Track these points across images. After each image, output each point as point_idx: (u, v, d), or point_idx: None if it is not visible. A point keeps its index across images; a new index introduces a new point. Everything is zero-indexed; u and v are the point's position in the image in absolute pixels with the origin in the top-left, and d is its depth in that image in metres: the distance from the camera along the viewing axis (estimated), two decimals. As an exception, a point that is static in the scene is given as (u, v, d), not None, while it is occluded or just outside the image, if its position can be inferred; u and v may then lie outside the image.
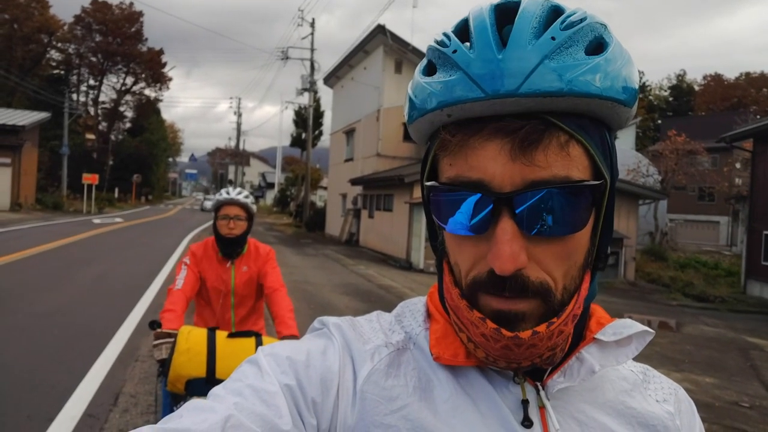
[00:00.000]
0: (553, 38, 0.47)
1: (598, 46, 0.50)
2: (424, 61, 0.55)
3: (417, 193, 16.33)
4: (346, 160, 26.21)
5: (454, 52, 0.50)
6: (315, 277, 12.11)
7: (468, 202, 0.50)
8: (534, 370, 0.56)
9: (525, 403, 0.55)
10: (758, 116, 29.74)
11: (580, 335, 0.58)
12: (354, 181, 22.26)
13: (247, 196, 2.85)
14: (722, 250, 29.32)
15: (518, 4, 0.51)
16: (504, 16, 0.51)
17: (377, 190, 20.16)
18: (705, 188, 33.84)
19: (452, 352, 0.57)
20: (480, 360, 0.55)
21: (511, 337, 0.50)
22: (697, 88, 57.41)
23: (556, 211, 0.48)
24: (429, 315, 0.63)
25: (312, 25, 29.68)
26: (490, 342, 0.51)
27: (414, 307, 0.65)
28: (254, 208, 2.91)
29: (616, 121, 0.52)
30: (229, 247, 2.85)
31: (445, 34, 0.53)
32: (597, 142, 0.51)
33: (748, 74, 53.58)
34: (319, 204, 34.83)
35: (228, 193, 2.84)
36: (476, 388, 0.56)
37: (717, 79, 55.40)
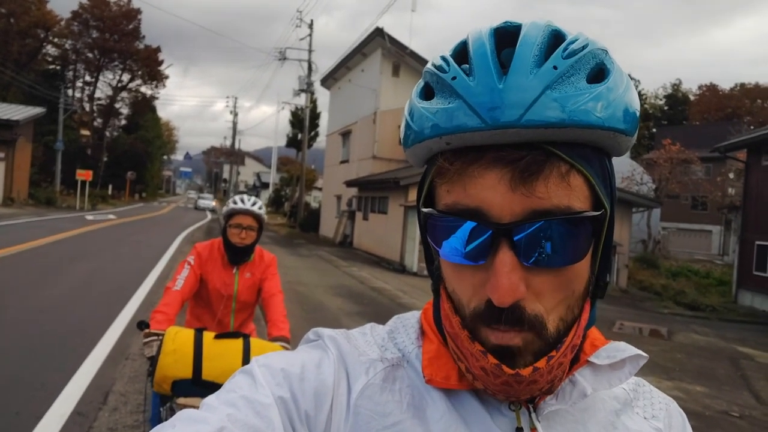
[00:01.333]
0: (555, 67, 0.47)
1: (599, 72, 0.49)
2: (421, 84, 0.54)
3: (412, 196, 16.34)
4: (342, 162, 26.22)
5: (453, 78, 0.49)
6: (308, 278, 12.09)
7: (465, 230, 0.49)
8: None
9: (519, 430, 0.54)
10: (752, 127, 29.96)
11: (574, 357, 0.57)
12: (349, 183, 22.26)
13: (260, 207, 2.85)
14: (714, 259, 29.49)
15: (518, 28, 0.50)
16: (504, 39, 0.50)
17: (372, 192, 20.16)
18: (698, 197, 34.02)
19: (444, 374, 0.56)
20: (478, 390, 0.55)
21: (512, 375, 0.49)
22: (692, 97, 57.76)
23: (555, 242, 0.48)
24: (422, 333, 0.62)
25: (310, 26, 29.71)
26: (489, 377, 0.51)
27: (407, 323, 0.64)
28: (265, 218, 2.91)
29: (617, 149, 0.52)
30: (238, 255, 2.85)
31: (443, 58, 0.52)
32: (597, 171, 0.50)
33: (743, 85, 53.99)
34: (314, 205, 34.84)
35: (243, 202, 2.82)
36: (469, 410, 0.55)
37: (712, 89, 55.79)
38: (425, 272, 15.98)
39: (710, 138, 24.92)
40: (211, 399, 0.52)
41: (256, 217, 2.82)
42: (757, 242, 15.97)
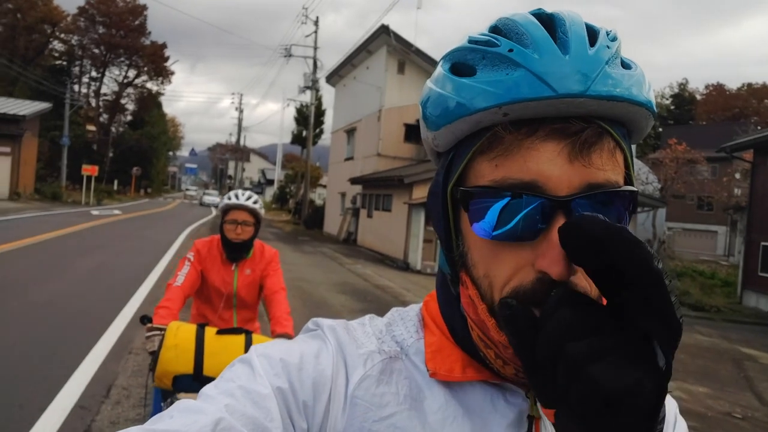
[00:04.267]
0: (607, 47, 0.49)
1: (625, 63, 0.51)
2: (447, 64, 0.53)
3: (416, 194, 16.34)
4: (347, 159, 26.22)
5: (510, 51, 0.48)
6: (311, 275, 12.10)
7: (518, 204, 0.47)
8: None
9: (531, 418, 0.54)
10: (759, 127, 29.80)
11: None
12: (354, 180, 22.26)
13: (255, 202, 2.83)
14: (719, 260, 29.37)
15: (553, 16, 0.51)
16: (542, 25, 0.51)
17: (377, 189, 20.16)
18: (704, 197, 33.85)
19: (448, 366, 0.56)
20: (503, 377, 0.55)
21: None
22: (698, 97, 57.47)
23: (610, 215, 0.47)
24: (423, 325, 0.62)
25: (316, 23, 29.67)
26: None
27: (406, 316, 0.64)
28: (262, 212, 2.89)
29: (642, 132, 0.53)
30: (235, 252, 2.83)
31: (487, 36, 0.51)
32: (630, 153, 0.52)
33: (750, 85, 53.68)
34: (318, 202, 34.83)
35: (237, 197, 2.81)
36: (471, 400, 0.55)
37: (719, 88, 55.48)
38: (429, 270, 15.86)
39: (716, 138, 24.81)
40: (209, 388, 0.52)
41: (252, 211, 2.80)
42: (763, 243, 15.88)
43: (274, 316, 2.72)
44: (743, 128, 26.55)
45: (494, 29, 0.52)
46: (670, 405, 0.65)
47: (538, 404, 0.53)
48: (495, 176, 0.49)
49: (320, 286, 10.80)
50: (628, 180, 0.52)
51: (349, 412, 0.54)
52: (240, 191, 2.87)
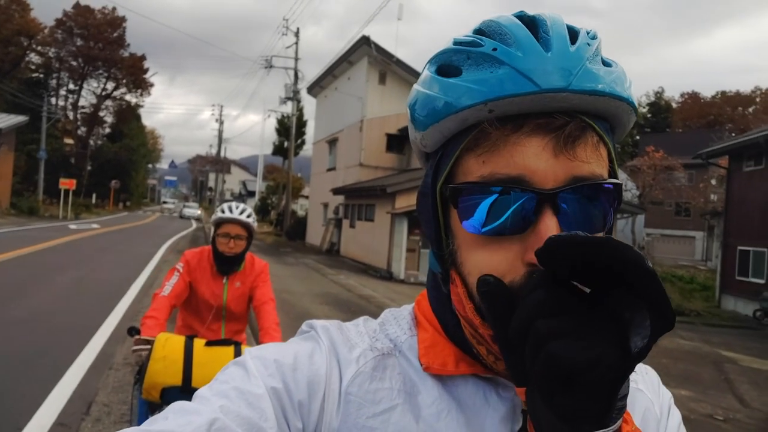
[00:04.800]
0: (588, 44, 0.50)
1: (606, 61, 0.53)
2: (434, 66, 0.55)
3: (399, 203, 16.36)
4: (329, 170, 26.19)
5: (494, 50, 0.50)
6: (294, 287, 12.02)
7: (507, 200, 0.49)
8: None
9: (525, 413, 0.53)
10: (733, 134, 30.48)
11: None
12: (336, 191, 22.23)
13: (249, 215, 2.81)
14: (698, 265, 29.85)
15: (535, 18, 0.53)
16: (525, 26, 0.52)
17: (359, 200, 20.14)
18: (681, 204, 34.45)
19: (441, 361, 0.57)
20: (494, 371, 0.55)
21: None
22: (674, 105, 58.59)
23: (592, 208, 0.49)
24: (416, 323, 0.62)
25: (297, 34, 29.72)
26: None
27: (399, 315, 0.65)
28: (255, 225, 2.88)
29: (625, 127, 0.55)
30: (227, 265, 2.82)
31: (471, 37, 0.53)
32: (613, 148, 0.54)
33: (724, 93, 54.91)
34: (300, 213, 34.72)
35: (230, 210, 2.79)
36: (464, 394, 0.56)
37: (694, 97, 56.65)
38: (412, 279, 15.82)
39: (693, 145, 25.32)
40: (203, 390, 0.53)
41: (245, 225, 2.78)
42: (740, 247, 16.20)
43: (263, 327, 2.71)
44: (718, 135, 27.16)
45: (478, 31, 0.54)
46: (665, 396, 0.67)
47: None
48: (483, 172, 0.50)
49: (303, 298, 10.73)
50: (613, 174, 0.53)
51: (344, 409, 0.54)
52: (234, 204, 2.86)
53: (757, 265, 15.47)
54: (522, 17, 0.53)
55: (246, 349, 0.59)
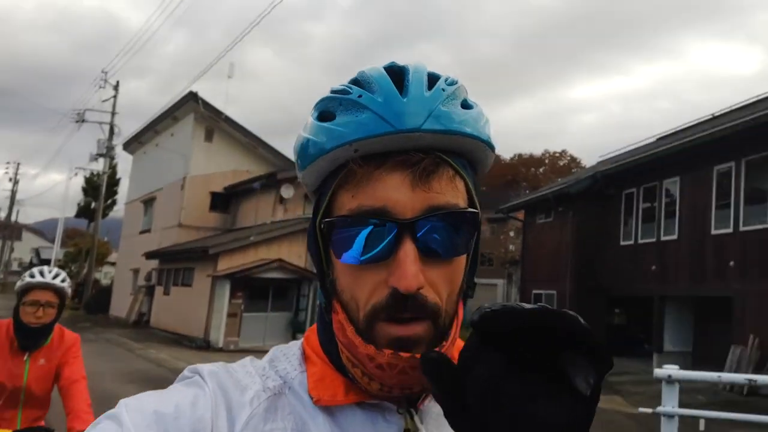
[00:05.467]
0: (443, 90, 0.57)
1: (466, 103, 0.60)
2: (315, 112, 0.60)
3: (222, 265, 15.60)
4: (142, 232, 24.33)
5: (360, 96, 0.57)
6: (94, 366, 10.44)
7: (371, 229, 0.54)
8: (408, 398, 0.60)
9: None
10: (527, 191, 34.98)
11: None
12: (150, 255, 20.50)
13: (63, 280, 2.50)
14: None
15: (402, 68, 0.59)
16: (391, 74, 0.59)
17: (176, 263, 18.82)
18: (485, 254, 38.18)
19: (331, 392, 0.59)
20: (371, 394, 0.58)
21: (408, 359, 0.54)
22: (478, 167, 65.95)
23: (450, 234, 0.55)
24: (305, 358, 0.64)
25: (116, 87, 27.67)
26: (386, 371, 0.55)
27: (288, 351, 0.66)
28: (69, 291, 2.54)
29: (484, 164, 0.63)
30: (32, 338, 2.43)
31: (343, 86, 0.60)
32: (473, 181, 0.60)
33: (520, 155, 63.32)
34: (105, 282, 31.26)
35: (42, 274, 2.46)
36: (354, 424, 0.59)
37: (496, 159, 64.33)
38: (232, 347, 15.10)
39: (495, 201, 28.41)
40: None
41: (58, 291, 2.46)
42: (533, 291, 18.28)
43: (72, 410, 2.38)
44: (516, 192, 30.91)
45: (352, 80, 0.61)
46: None
47: (416, 418, 0.59)
48: (351, 206, 0.56)
49: (104, 378, 9.44)
50: (472, 204, 0.59)
51: None
52: (46, 268, 2.55)
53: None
54: (391, 67, 0.60)
55: (121, 401, 0.53)
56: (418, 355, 0.53)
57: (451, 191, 0.56)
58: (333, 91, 0.60)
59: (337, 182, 0.58)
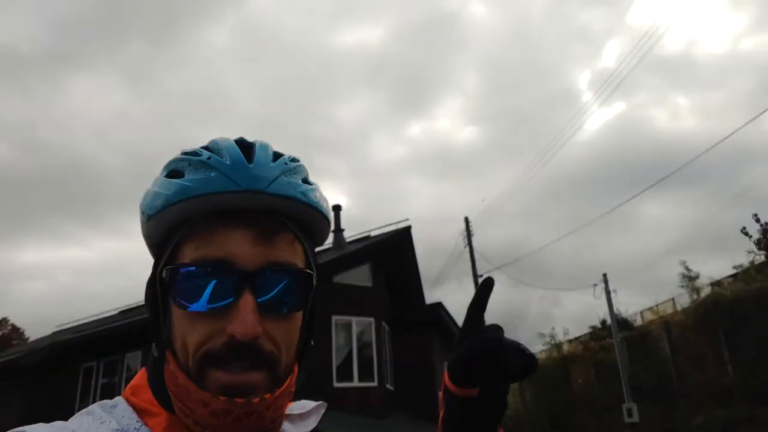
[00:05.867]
0: (286, 163, 0.64)
1: (307, 180, 0.66)
2: (165, 171, 0.63)
3: None
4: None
5: (209, 158, 0.61)
6: None
7: (212, 278, 0.57)
8: None
9: None
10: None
11: None
12: None
13: None
14: None
15: (250, 142, 0.66)
16: (240, 146, 0.64)
17: None
18: None
19: None
20: None
21: (243, 404, 0.55)
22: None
23: (288, 290, 0.59)
24: (140, 411, 0.61)
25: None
26: (221, 418, 0.55)
27: (109, 407, 0.62)
28: None
29: (321, 233, 0.68)
30: None
31: (194, 149, 0.64)
32: (310, 248, 0.66)
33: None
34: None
35: None
36: None
37: None
38: None
39: None
40: None
41: None
42: None
43: None
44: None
45: (203, 147, 0.64)
46: None
47: None
48: (195, 256, 0.59)
49: None
50: (309, 267, 0.64)
51: None
52: None
53: None
54: (241, 141, 0.65)
55: None
56: (254, 400, 0.55)
57: (291, 252, 0.61)
58: (183, 153, 0.63)
59: (183, 235, 0.60)
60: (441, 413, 0.73)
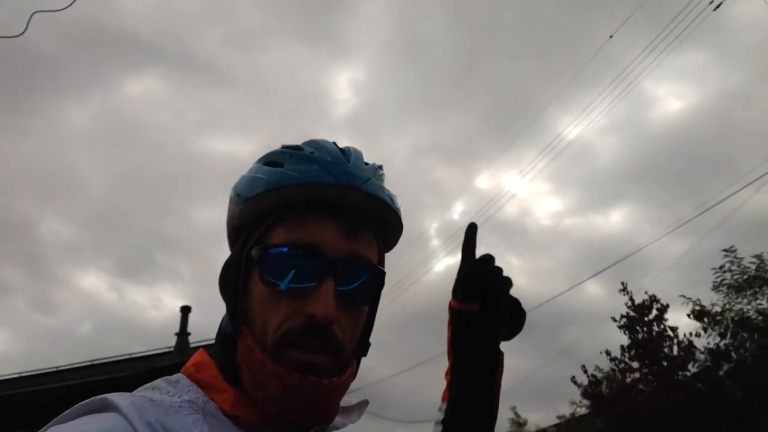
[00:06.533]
0: (376, 169, 0.70)
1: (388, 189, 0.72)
2: (262, 161, 0.70)
3: None
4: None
5: (312, 153, 0.66)
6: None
7: (301, 260, 0.61)
8: (299, 430, 0.64)
9: None
10: None
11: None
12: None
13: None
14: None
15: (342, 148, 0.71)
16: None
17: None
18: None
19: (249, 413, 0.61)
20: (271, 418, 0.61)
21: (313, 382, 0.59)
22: None
23: (364, 283, 0.64)
24: (205, 386, 0.64)
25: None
26: (291, 393, 0.59)
27: (174, 382, 0.64)
28: None
29: (392, 239, 0.74)
30: None
31: (297, 145, 0.69)
32: (383, 250, 0.72)
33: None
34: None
35: None
36: None
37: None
38: None
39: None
40: None
41: None
42: None
43: None
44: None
45: (304, 143, 0.70)
46: None
47: None
48: (286, 239, 0.63)
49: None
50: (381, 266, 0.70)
51: None
52: None
53: None
54: (335, 145, 0.71)
55: None
56: (323, 380, 0.59)
57: (370, 249, 0.66)
58: (284, 147, 0.69)
59: (276, 218, 0.64)
60: (448, 334, 0.83)
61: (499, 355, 0.81)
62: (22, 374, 12.79)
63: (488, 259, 0.81)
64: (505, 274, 0.81)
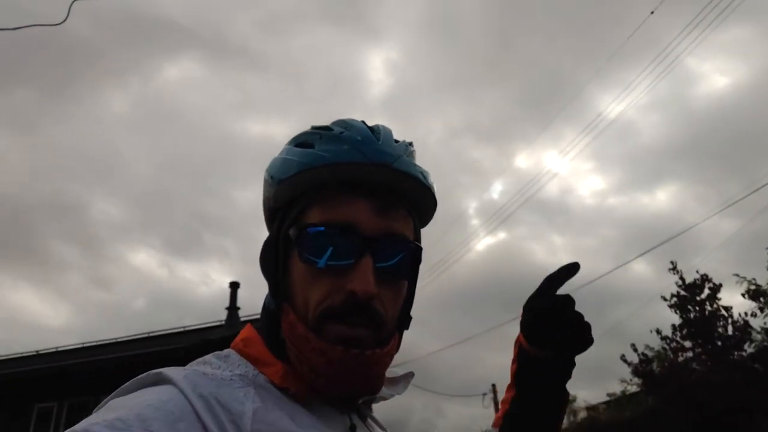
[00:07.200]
0: (406, 147, 0.70)
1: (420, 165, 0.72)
2: (292, 143, 0.70)
3: None
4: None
5: (341, 133, 0.67)
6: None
7: (339, 238, 0.62)
8: (347, 400, 0.67)
9: (353, 428, 0.65)
10: None
11: None
12: None
13: None
14: None
15: (371, 126, 0.70)
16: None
17: None
18: None
19: (298, 385, 0.63)
20: (318, 390, 0.63)
21: (357, 354, 0.60)
22: None
23: (402, 259, 0.65)
24: (254, 361, 0.65)
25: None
26: (335, 366, 0.60)
27: (229, 357, 0.66)
28: None
29: (428, 216, 0.74)
30: None
31: (326, 126, 0.69)
32: (418, 225, 0.72)
33: None
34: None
35: None
36: (323, 412, 0.63)
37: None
38: None
39: None
40: None
41: None
42: None
43: None
44: None
45: (333, 123, 0.71)
46: None
47: (355, 415, 0.67)
48: (322, 218, 0.64)
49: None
50: (417, 241, 0.71)
51: None
52: None
53: None
54: (364, 123, 0.71)
55: (87, 422, 0.48)
56: (367, 351, 0.60)
57: (405, 225, 0.67)
58: (314, 128, 0.69)
59: (311, 198, 0.65)
60: (513, 367, 0.82)
61: (566, 395, 0.80)
62: (85, 344, 13.71)
63: (570, 301, 0.75)
64: (563, 287, 0.78)
